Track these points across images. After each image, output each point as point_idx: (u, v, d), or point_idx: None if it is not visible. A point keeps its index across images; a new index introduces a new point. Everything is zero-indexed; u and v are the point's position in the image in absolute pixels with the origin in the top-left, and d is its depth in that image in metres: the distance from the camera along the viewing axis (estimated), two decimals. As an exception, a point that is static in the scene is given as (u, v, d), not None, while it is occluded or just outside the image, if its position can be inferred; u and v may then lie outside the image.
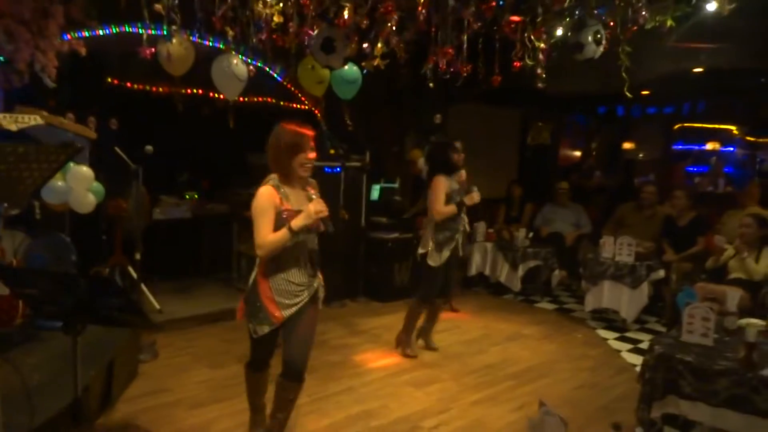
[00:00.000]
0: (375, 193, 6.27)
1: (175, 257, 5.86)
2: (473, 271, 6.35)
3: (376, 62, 4.55)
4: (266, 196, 2.47)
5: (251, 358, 2.79)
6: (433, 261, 4.06)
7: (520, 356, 4.31)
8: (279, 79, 6.20)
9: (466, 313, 5.46)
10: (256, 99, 6.24)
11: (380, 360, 4.16)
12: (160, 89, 5.57)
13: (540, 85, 5.17)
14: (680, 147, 11.32)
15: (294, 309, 2.56)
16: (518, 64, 4.81)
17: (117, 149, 4.16)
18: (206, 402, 3.33)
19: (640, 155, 11.03)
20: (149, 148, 4.07)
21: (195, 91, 5.80)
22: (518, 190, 7.06)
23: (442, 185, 4.03)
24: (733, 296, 3.50)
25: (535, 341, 4.70)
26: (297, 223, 2.42)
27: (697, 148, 11.34)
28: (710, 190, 9.40)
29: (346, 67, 4.91)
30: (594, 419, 3.29)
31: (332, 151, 6.35)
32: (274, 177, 2.54)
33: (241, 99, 5.18)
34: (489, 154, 7.88)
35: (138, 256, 4.13)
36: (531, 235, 6.20)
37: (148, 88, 5.45)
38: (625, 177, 9.62)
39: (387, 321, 5.06)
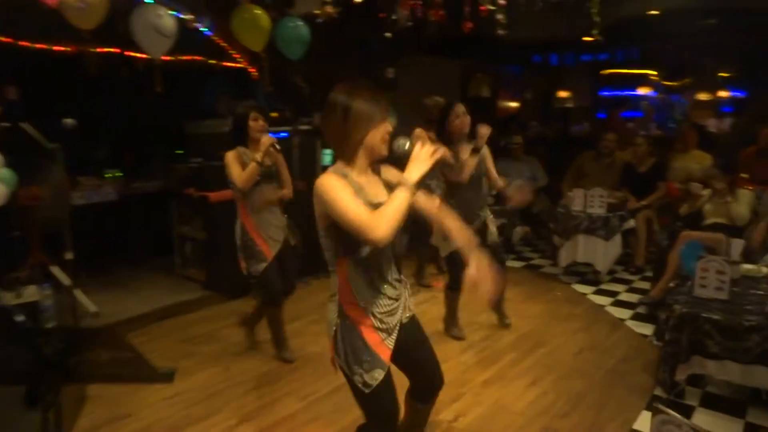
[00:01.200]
0: (327, 158, 5.72)
1: (103, 247, 5.07)
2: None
3: (328, 9, 3.98)
4: (336, 183, 1.71)
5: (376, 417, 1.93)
6: (448, 249, 3.62)
7: (510, 324, 4.07)
8: (208, 33, 5.42)
9: (439, 282, 5.16)
10: (181, 57, 5.42)
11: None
12: (66, 48, 4.65)
13: (500, 32, 4.83)
14: (606, 94, 11.55)
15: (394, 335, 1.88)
16: (484, 9, 4.44)
17: (25, 125, 3.35)
18: (182, 425, 2.79)
19: (568, 104, 11.15)
20: (69, 121, 3.30)
21: (109, 49, 4.90)
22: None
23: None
24: (735, 244, 3.39)
25: (518, 304, 4.47)
26: (412, 172, 1.68)
27: (620, 93, 11.63)
28: (643, 134, 9.61)
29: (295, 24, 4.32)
30: (609, 388, 3.10)
31: (274, 114, 5.72)
32: (337, 166, 1.82)
33: (164, 58, 4.42)
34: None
35: (69, 256, 3.39)
36: (494, 192, 5.94)
37: (49, 47, 4.50)
38: (563, 126, 9.63)
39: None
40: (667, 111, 11.82)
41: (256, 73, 5.97)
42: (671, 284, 3.89)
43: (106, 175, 5.30)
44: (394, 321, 1.87)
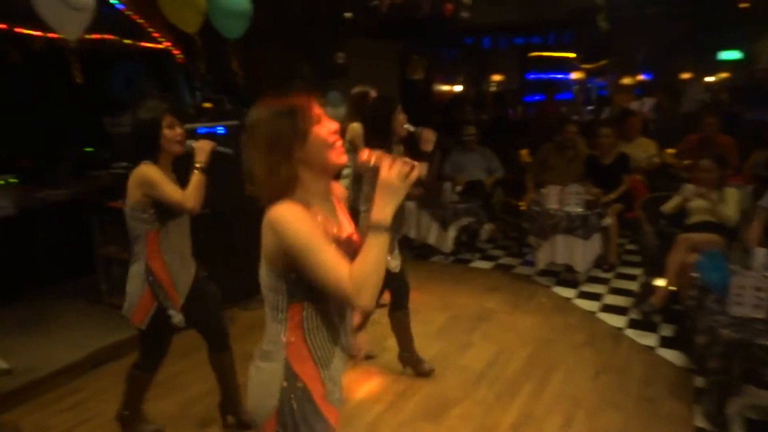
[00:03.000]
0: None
1: (2, 276, 4.05)
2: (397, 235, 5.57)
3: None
4: (302, 218, 1.30)
5: None
6: (396, 267, 3.11)
7: (507, 343, 3.70)
8: (120, 7, 4.47)
9: (410, 291, 4.68)
10: (88, 37, 4.43)
11: (362, 384, 3.22)
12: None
13: (464, 14, 4.42)
14: (532, 77, 11.60)
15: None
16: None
17: None
18: None
19: (494, 88, 11.07)
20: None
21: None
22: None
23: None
24: (760, 253, 3.21)
25: (506, 317, 4.14)
26: (384, 208, 1.28)
27: (546, 77, 11.73)
28: (575, 118, 9.69)
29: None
30: (647, 421, 2.81)
31: (208, 105, 4.92)
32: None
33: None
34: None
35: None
36: (458, 189, 5.54)
37: None
38: (499, 110, 9.45)
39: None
40: (586, 94, 12.13)
41: (181, 56, 5.08)
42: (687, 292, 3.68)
43: (-1, 183, 4.25)
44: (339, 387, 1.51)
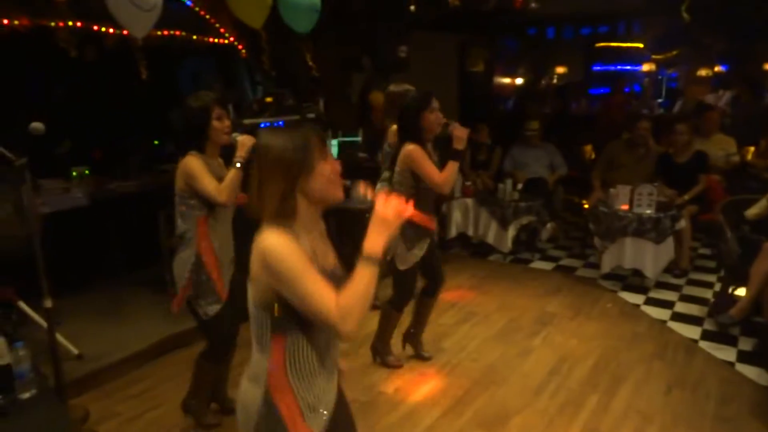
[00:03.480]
0: (333, 149, 5.00)
1: (75, 264, 4.23)
2: (453, 232, 5.48)
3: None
4: (291, 247, 1.33)
5: None
6: (403, 264, 3.08)
7: (571, 350, 3.55)
8: (188, 3, 4.57)
9: (468, 290, 4.60)
10: (157, 33, 4.54)
11: (417, 386, 3.17)
12: (16, 22, 3.73)
13: (534, 5, 4.24)
14: (598, 68, 11.12)
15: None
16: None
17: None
18: None
19: (555, 81, 10.65)
20: (37, 125, 2.47)
21: (71, 23, 3.99)
22: (485, 131, 6.12)
23: (419, 152, 2.90)
24: None
25: (569, 322, 3.97)
26: (376, 241, 1.33)
27: (612, 68, 11.22)
28: (645, 113, 9.22)
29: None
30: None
31: (269, 100, 4.96)
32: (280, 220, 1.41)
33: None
34: (432, 85, 6.81)
35: (48, 303, 2.59)
36: (519, 186, 5.37)
37: (-2, 21, 3.59)
38: (561, 104, 9.10)
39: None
40: (656, 87, 11.53)
41: (244, 51, 5.14)
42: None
43: (73, 174, 4.44)
44: (325, 405, 1.48)
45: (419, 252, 3.09)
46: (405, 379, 3.24)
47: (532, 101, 8.87)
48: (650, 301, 4.32)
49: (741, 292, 3.76)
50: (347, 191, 1.51)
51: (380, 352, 3.40)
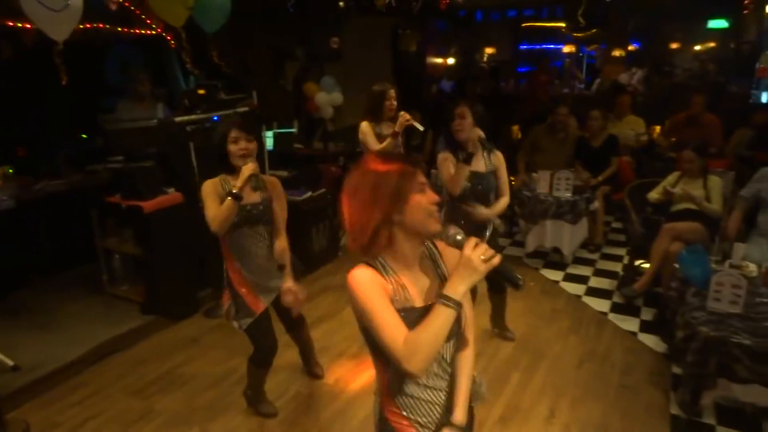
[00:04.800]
0: (268, 142, 5.03)
1: (3, 269, 4.12)
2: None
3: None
4: (371, 281, 1.38)
5: None
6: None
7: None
8: (111, -5, 4.40)
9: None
10: (82, 27, 4.37)
11: (355, 376, 3.37)
12: None
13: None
14: (524, 47, 11.51)
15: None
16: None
17: None
18: None
19: (484, 64, 10.94)
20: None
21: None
22: (417, 116, 6.27)
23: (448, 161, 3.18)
24: (739, 248, 3.36)
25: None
26: (459, 285, 1.32)
27: (538, 47, 11.65)
28: (566, 92, 9.69)
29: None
30: (627, 411, 2.99)
31: (201, 92, 4.90)
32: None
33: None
34: (367, 68, 6.90)
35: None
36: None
37: None
38: (494, 84, 9.41)
39: (324, 303, 4.22)
40: (577, 65, 12.05)
41: (173, 42, 5.03)
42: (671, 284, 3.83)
43: (-6, 174, 4.26)
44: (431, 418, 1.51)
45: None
46: (345, 368, 3.44)
47: (472, 82, 9.11)
48: (568, 277, 4.72)
49: (645, 268, 4.20)
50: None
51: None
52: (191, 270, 4.13)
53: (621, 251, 5.26)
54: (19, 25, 3.86)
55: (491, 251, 1.33)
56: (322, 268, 4.97)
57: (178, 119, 4.07)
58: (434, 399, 1.49)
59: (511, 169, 5.96)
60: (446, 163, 3.18)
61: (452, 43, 9.97)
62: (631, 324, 3.90)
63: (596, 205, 4.98)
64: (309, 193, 4.77)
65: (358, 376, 3.35)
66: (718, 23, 9.65)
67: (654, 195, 4.35)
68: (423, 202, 1.38)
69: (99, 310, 4.05)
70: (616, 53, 10.52)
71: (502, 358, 3.52)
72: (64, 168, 4.53)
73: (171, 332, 3.91)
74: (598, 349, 3.61)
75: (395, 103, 3.81)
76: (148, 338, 3.81)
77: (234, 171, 2.49)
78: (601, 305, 4.20)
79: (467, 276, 1.32)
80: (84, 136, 5.12)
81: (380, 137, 3.72)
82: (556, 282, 4.65)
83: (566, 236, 4.80)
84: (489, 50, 10.36)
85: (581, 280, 4.67)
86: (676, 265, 3.51)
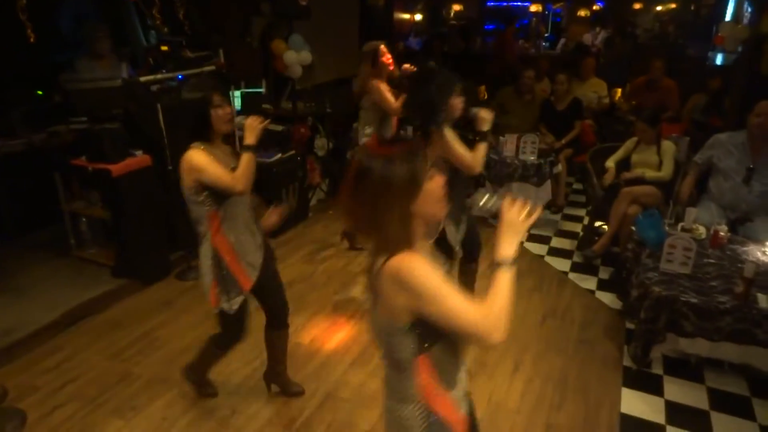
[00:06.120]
0: (236, 102, 4.94)
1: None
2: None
3: None
4: (427, 267, 1.32)
5: None
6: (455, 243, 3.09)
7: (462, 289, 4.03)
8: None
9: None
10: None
11: (330, 336, 3.50)
12: None
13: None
14: (492, 5, 11.43)
15: None
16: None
17: None
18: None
19: (452, 18, 10.84)
20: None
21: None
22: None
23: (452, 135, 2.79)
24: (691, 212, 3.58)
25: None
26: (509, 246, 1.38)
27: (505, 4, 11.58)
28: (532, 52, 9.75)
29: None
30: (584, 364, 3.22)
31: (164, 48, 4.73)
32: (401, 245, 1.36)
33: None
34: (334, 23, 6.75)
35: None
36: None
37: None
38: (462, 44, 9.35)
39: (297, 264, 4.31)
40: (544, 22, 12.09)
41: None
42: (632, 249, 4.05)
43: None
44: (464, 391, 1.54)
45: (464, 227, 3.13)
46: (320, 328, 3.56)
47: (439, 41, 9.02)
48: (531, 238, 4.92)
49: (604, 229, 4.42)
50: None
51: None
52: (161, 233, 4.11)
53: (581, 212, 5.49)
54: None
55: (527, 206, 1.38)
56: (293, 230, 5.01)
57: (143, 79, 3.95)
58: (465, 379, 1.52)
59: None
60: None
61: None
62: (589, 282, 4.14)
63: (559, 168, 5.15)
64: (279, 155, 4.75)
65: (333, 336, 3.48)
66: (679, -16, 9.82)
67: (611, 161, 4.53)
68: (433, 188, 1.36)
69: (68, 274, 4.01)
70: (582, 13, 10.59)
71: (469, 316, 3.69)
72: (21, 127, 4.36)
73: (144, 295, 3.93)
74: (559, 306, 3.84)
75: (390, 57, 3.78)
76: (120, 301, 3.82)
77: (211, 139, 2.40)
78: (563, 265, 4.43)
79: (514, 235, 1.37)
80: (39, 92, 4.90)
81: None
82: (521, 242, 4.83)
83: (531, 198, 4.89)
84: (456, 7, 10.24)
85: (544, 240, 4.88)
86: (633, 228, 3.73)
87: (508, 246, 1.37)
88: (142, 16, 5.28)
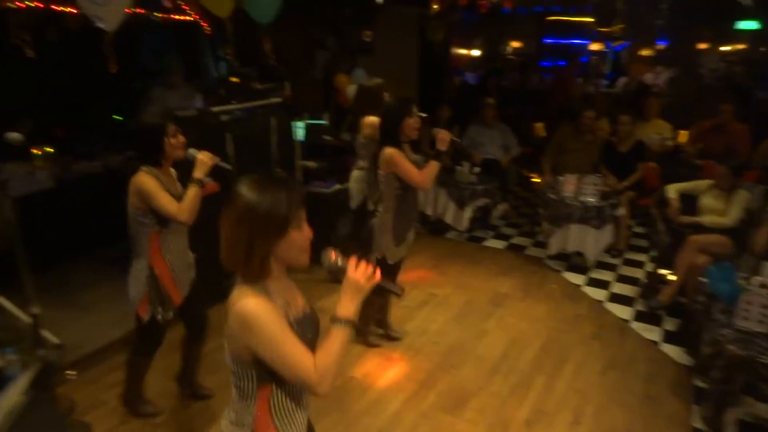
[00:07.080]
0: (300, 132, 5.08)
1: (42, 248, 4.21)
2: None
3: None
4: (269, 312, 1.38)
5: None
6: (392, 258, 3.34)
7: (521, 333, 3.94)
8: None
9: (428, 270, 4.92)
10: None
11: (384, 371, 3.48)
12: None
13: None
14: (549, 41, 11.40)
15: None
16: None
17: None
18: None
19: (511, 55, 10.85)
20: (15, 136, 2.47)
21: (29, 4, 3.85)
22: (447, 111, 6.32)
23: (398, 155, 3.11)
24: (766, 267, 3.40)
25: (519, 303, 4.37)
26: (349, 305, 1.45)
27: (564, 42, 11.53)
28: (591, 90, 9.62)
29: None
30: (649, 421, 3.08)
31: (235, 80, 4.95)
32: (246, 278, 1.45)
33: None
34: (396, 57, 6.90)
35: (36, 310, 2.67)
36: (477, 170, 5.65)
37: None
38: (521, 78, 9.36)
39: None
40: (604, 60, 11.94)
41: (209, 29, 5.07)
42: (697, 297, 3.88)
43: (36, 154, 4.35)
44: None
45: (404, 249, 3.38)
46: (374, 363, 3.55)
47: (496, 76, 9.07)
48: (590, 282, 4.78)
49: (670, 278, 4.25)
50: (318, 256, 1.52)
51: (361, 332, 3.67)
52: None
53: (643, 257, 5.31)
54: (66, 9, 3.92)
55: (371, 268, 1.46)
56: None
57: (215, 109, 4.13)
58: (305, 414, 1.59)
59: (536, 163, 6.04)
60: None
61: (477, 35, 9.91)
62: (653, 334, 3.97)
63: (622, 210, 5.02)
64: (337, 186, 4.83)
65: (386, 372, 3.46)
66: (749, 24, 9.52)
67: (673, 195, 4.38)
68: (300, 239, 1.43)
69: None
70: (644, 52, 10.40)
71: (526, 361, 3.61)
72: (100, 149, 4.61)
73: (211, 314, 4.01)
74: (621, 356, 3.69)
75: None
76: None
77: (161, 164, 2.53)
78: (624, 312, 4.27)
79: (356, 295, 1.45)
80: (118, 117, 5.19)
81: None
82: (578, 286, 4.71)
83: (591, 241, 4.84)
84: (515, 43, 10.27)
85: (604, 285, 4.73)
86: (703, 279, 3.57)
87: (349, 304, 1.44)
88: (214, 48, 5.53)
